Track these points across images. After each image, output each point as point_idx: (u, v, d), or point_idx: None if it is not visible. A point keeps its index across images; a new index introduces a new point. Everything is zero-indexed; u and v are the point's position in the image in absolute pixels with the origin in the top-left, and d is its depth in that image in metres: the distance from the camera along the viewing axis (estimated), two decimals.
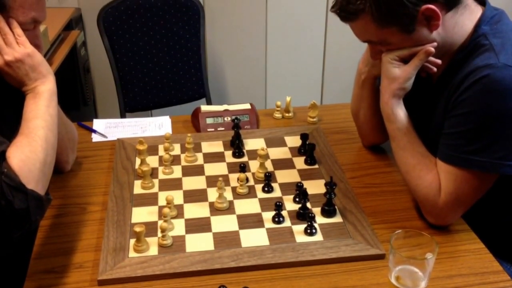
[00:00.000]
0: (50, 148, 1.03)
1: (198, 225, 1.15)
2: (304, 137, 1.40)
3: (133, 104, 2.20)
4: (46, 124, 1.04)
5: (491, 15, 1.12)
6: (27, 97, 1.07)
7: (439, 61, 1.13)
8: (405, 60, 1.14)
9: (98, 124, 1.53)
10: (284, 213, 1.18)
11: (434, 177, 1.12)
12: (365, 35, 1.14)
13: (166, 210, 1.10)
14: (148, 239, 1.09)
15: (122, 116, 2.19)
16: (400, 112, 1.16)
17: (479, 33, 1.10)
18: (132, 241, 1.08)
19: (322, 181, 1.25)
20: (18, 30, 1.05)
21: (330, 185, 1.16)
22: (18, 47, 1.05)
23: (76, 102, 2.47)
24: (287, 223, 1.16)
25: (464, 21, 1.11)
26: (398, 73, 1.14)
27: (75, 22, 2.36)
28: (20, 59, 1.05)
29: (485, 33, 1.09)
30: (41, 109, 1.05)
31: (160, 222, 1.11)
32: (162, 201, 1.21)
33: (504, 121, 1.02)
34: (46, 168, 1.01)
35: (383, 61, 1.16)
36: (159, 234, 1.09)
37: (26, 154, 0.98)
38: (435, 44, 1.10)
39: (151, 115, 2.56)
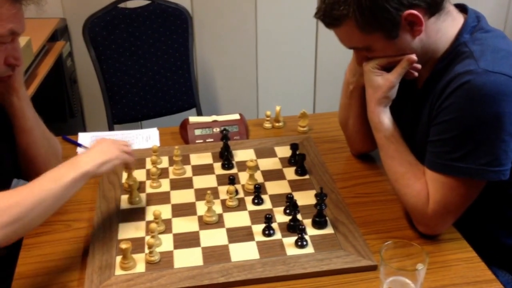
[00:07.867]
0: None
1: (186, 240, 1.12)
2: (294, 147, 1.38)
3: (121, 115, 2.17)
4: None
5: (472, 24, 1.12)
6: None
7: (419, 66, 1.13)
8: (387, 68, 1.14)
9: (83, 137, 1.50)
10: (274, 225, 1.16)
11: (423, 186, 1.11)
12: (350, 41, 1.13)
13: (153, 225, 1.08)
14: (135, 256, 1.06)
15: (110, 128, 2.16)
16: (387, 121, 1.16)
17: (460, 41, 1.10)
18: (119, 258, 1.06)
19: (313, 192, 1.24)
20: None
21: (320, 196, 1.15)
22: None
23: (63, 114, 2.43)
24: (278, 235, 1.14)
25: (446, 28, 1.11)
26: (381, 82, 1.13)
27: (61, 33, 2.33)
28: None
29: (465, 41, 1.10)
30: None
31: (147, 238, 1.08)
32: (149, 216, 1.19)
33: (487, 126, 1.02)
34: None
35: (364, 70, 1.16)
36: (147, 250, 1.07)
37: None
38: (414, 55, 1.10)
39: (141, 127, 2.54)
